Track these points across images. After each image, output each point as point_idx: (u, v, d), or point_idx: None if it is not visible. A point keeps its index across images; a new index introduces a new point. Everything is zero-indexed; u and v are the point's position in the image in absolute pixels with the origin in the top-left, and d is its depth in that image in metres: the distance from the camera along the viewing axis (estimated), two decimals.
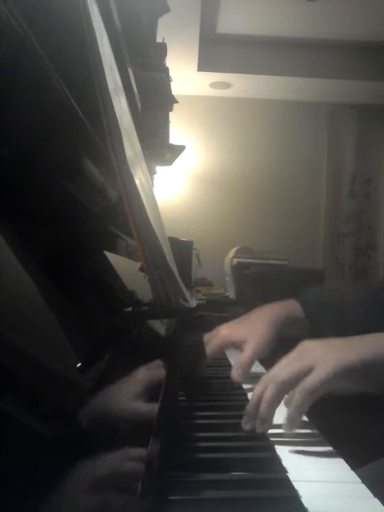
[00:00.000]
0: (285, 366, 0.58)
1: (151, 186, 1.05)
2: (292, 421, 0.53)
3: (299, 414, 0.53)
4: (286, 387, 0.57)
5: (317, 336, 0.82)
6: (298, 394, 0.54)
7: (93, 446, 0.31)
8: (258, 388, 0.58)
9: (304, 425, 0.59)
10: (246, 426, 0.57)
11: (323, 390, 0.54)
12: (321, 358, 0.55)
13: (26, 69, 0.43)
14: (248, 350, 0.75)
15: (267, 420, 0.56)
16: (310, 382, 0.54)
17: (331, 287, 0.90)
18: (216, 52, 3.34)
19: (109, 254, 0.82)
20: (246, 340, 0.77)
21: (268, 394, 0.56)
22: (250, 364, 0.75)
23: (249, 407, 0.57)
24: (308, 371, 0.55)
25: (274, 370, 0.59)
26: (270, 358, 0.79)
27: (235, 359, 0.80)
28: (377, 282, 0.91)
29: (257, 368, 0.81)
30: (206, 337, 0.82)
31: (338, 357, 0.55)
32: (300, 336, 0.82)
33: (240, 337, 0.78)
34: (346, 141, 3.78)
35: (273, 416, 0.56)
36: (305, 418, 0.61)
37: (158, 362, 0.55)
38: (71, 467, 0.27)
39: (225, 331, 0.80)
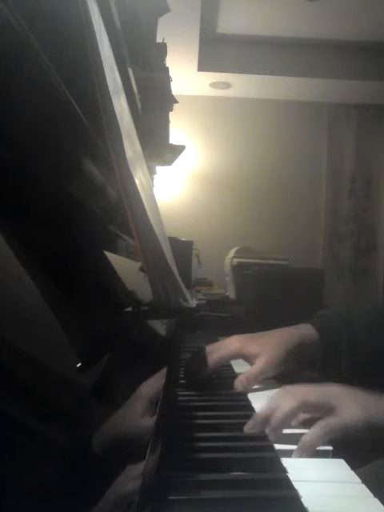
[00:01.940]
0: (312, 391, 0.59)
1: (151, 185, 1.05)
2: (303, 450, 0.53)
3: (312, 446, 0.53)
4: (305, 409, 0.57)
5: (330, 360, 0.83)
6: (317, 426, 0.54)
7: (92, 449, 0.31)
8: (277, 399, 0.58)
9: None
10: (251, 430, 0.56)
11: (341, 433, 0.54)
12: (348, 405, 0.56)
13: (25, 69, 0.43)
14: (258, 366, 0.75)
15: (278, 429, 0.55)
16: (331, 421, 0.54)
17: (340, 310, 0.90)
18: (216, 52, 3.34)
19: (109, 254, 0.82)
20: (258, 356, 0.77)
21: (288, 405, 0.56)
22: (257, 379, 0.75)
23: (260, 413, 0.57)
24: (332, 410, 0.56)
25: (299, 388, 0.59)
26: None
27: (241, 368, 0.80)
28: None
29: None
30: (214, 346, 0.82)
31: (364, 413, 0.55)
32: (313, 359, 0.83)
33: (252, 352, 0.78)
34: (346, 141, 3.78)
35: (284, 427, 0.56)
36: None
37: (159, 373, 0.55)
38: (71, 469, 0.27)
39: (237, 344, 0.80)
